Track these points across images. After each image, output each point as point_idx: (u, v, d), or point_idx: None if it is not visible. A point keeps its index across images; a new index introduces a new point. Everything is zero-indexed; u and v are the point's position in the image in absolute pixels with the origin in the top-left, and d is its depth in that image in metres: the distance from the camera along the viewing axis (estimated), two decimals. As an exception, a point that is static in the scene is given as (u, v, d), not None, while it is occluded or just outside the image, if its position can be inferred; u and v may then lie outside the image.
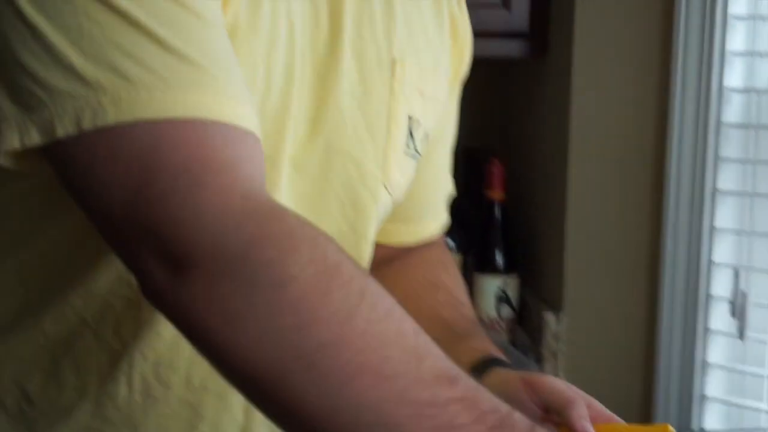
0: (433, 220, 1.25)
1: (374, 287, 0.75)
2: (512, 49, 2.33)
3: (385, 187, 1.02)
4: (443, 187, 1.25)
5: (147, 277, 0.73)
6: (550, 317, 2.25)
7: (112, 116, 0.71)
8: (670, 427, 0.91)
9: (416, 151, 1.05)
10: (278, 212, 0.74)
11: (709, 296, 2.13)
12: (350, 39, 0.96)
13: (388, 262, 1.20)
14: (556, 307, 2.27)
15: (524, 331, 2.40)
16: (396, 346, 0.72)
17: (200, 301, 0.71)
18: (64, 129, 0.72)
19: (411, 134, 1.04)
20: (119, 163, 0.72)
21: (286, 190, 0.93)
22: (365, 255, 1.02)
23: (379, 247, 1.13)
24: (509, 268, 2.40)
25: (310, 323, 0.70)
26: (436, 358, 0.74)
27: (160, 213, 0.71)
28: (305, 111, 0.93)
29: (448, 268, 1.25)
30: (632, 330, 2.25)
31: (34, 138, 0.73)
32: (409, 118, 1.03)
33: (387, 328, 0.73)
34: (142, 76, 0.72)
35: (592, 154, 2.24)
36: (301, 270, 0.71)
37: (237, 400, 0.93)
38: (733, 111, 2.12)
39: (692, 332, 2.14)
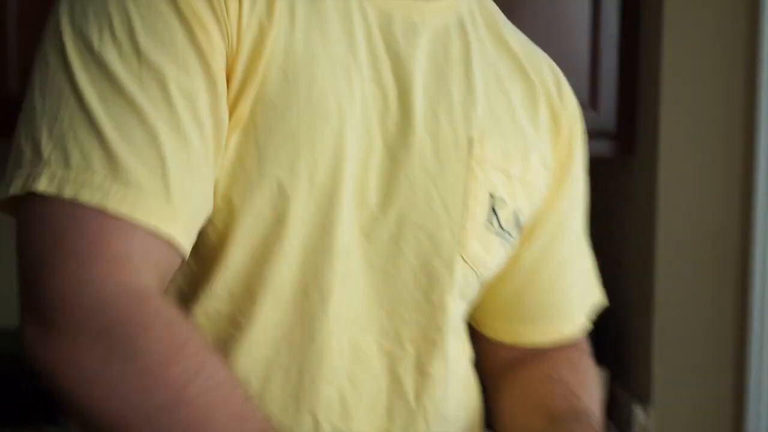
0: (565, 321, 1.25)
1: (214, 361, 0.87)
2: (600, 148, 2.36)
3: (463, 259, 1.05)
4: (576, 288, 1.25)
5: (25, 331, 0.86)
6: (638, 411, 2.26)
7: (42, 186, 0.86)
8: None
9: (502, 228, 1.08)
10: (144, 298, 0.86)
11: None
12: (423, 118, 1.03)
13: (523, 362, 1.23)
14: (645, 400, 2.29)
15: (613, 425, 2.40)
16: (223, 410, 0.85)
17: (61, 363, 0.84)
18: (15, 187, 0.87)
19: (494, 212, 1.07)
20: (39, 227, 0.87)
21: (358, 259, 1.00)
22: (444, 326, 1.05)
23: (511, 348, 1.21)
24: (598, 361, 2.41)
25: (152, 388, 0.83)
26: (259, 421, 0.87)
27: (49, 280, 0.85)
28: (376, 184, 1.00)
29: (575, 366, 1.25)
30: (722, 425, 2.26)
31: (4, 190, 0.89)
32: (491, 195, 1.07)
33: (217, 395, 0.85)
34: (79, 164, 0.86)
35: (679, 249, 2.28)
36: (151, 346, 0.84)
37: None
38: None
39: (783, 428, 2.14)
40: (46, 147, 0.87)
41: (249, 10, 0.95)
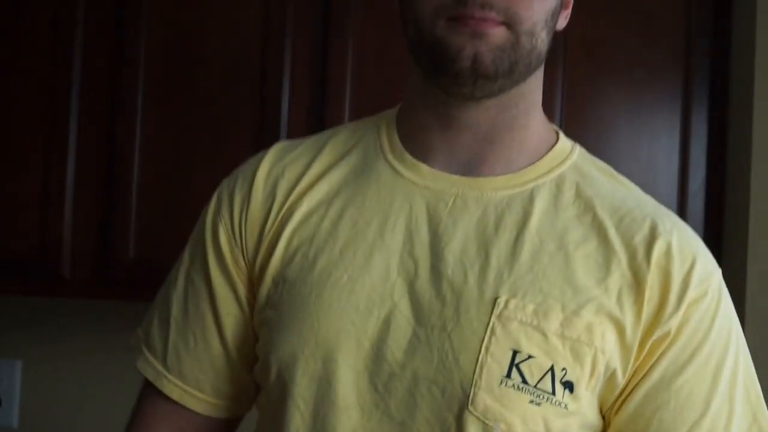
0: None
1: None
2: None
3: (472, 413, 1.08)
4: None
5: None
6: None
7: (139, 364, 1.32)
8: None
9: (526, 383, 1.09)
10: None
11: None
12: (450, 281, 1.12)
13: None
14: None
15: None
16: None
17: None
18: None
19: (518, 367, 1.09)
20: None
21: (377, 411, 1.11)
22: None
23: None
24: None
25: None
26: None
27: None
28: (397, 344, 1.12)
29: None
30: None
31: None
32: (514, 352, 1.09)
33: None
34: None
35: None
36: None
37: None
38: None
39: None
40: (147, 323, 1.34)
41: (271, 221, 1.23)
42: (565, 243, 1.15)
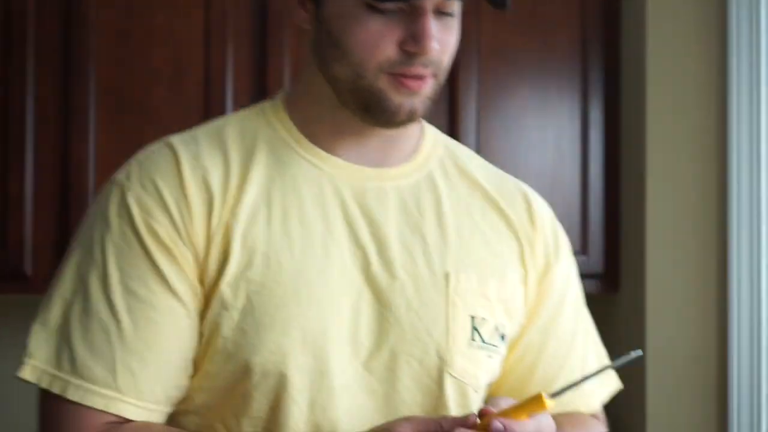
0: (578, 396, 1.35)
1: None
2: (588, 287, 2.60)
3: (452, 375, 1.23)
4: (583, 361, 1.37)
5: None
6: None
7: (44, 383, 1.20)
8: (544, 395, 1.09)
9: (485, 342, 1.26)
10: None
11: None
12: (402, 264, 1.24)
13: None
14: None
15: None
16: None
17: None
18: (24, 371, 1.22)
19: (477, 330, 1.25)
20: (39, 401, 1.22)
21: (361, 390, 1.21)
22: None
23: None
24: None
25: None
26: None
27: None
28: (369, 328, 1.21)
29: (584, 422, 1.37)
30: None
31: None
32: (472, 317, 1.25)
33: None
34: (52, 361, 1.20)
35: (668, 385, 2.54)
36: None
37: None
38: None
39: None
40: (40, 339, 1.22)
41: (217, 218, 1.21)
42: (474, 217, 1.30)
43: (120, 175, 1.24)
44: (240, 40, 2.63)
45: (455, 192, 1.31)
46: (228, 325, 1.19)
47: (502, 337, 1.28)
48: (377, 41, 1.18)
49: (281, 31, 2.63)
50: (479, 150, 2.64)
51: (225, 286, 1.19)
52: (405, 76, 1.19)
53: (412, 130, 1.30)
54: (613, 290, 2.70)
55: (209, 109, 2.59)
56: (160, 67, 2.61)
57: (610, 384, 1.42)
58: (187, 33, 2.61)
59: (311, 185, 1.24)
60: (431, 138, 1.35)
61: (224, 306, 1.19)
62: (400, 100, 1.20)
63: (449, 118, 2.67)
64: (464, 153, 1.38)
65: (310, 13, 1.24)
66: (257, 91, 2.62)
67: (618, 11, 2.75)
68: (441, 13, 1.19)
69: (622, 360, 1.10)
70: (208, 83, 2.62)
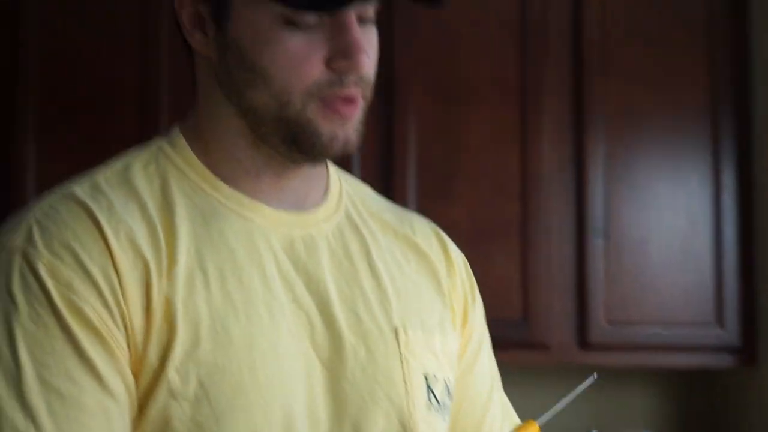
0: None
1: None
2: (724, 361, 2.56)
3: None
4: (497, 411, 1.26)
5: None
6: None
7: None
8: (536, 423, 1.03)
9: (439, 403, 1.13)
10: None
11: None
12: (347, 323, 1.09)
13: None
14: None
15: None
16: None
17: None
18: None
19: (431, 390, 1.13)
20: None
21: None
22: None
23: None
24: None
25: None
26: None
27: None
28: (324, 401, 1.06)
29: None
30: None
31: None
32: (425, 376, 1.12)
33: None
34: None
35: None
36: None
37: None
38: None
39: None
40: None
41: (156, 290, 1.00)
42: (399, 262, 1.18)
43: (15, 240, 1.00)
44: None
45: (373, 235, 1.18)
46: (179, 418, 0.99)
47: (448, 393, 1.17)
48: (302, 61, 1.03)
49: (406, 95, 2.63)
50: (607, 216, 2.59)
51: (172, 372, 0.99)
52: (336, 98, 1.04)
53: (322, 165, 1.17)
54: (750, 363, 2.58)
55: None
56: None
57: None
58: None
59: (241, 239, 1.07)
60: (333, 172, 1.20)
61: (173, 395, 0.99)
62: (332, 129, 1.05)
63: (576, 183, 2.61)
64: (364, 190, 1.25)
65: (211, 35, 1.07)
66: (383, 156, 2.63)
67: (748, 71, 2.66)
68: (361, 20, 1.06)
69: (584, 385, 1.09)
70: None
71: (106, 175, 1.08)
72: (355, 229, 1.17)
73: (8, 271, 0.98)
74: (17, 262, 0.98)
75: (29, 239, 0.99)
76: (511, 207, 2.60)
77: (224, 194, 1.09)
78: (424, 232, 1.24)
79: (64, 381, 0.96)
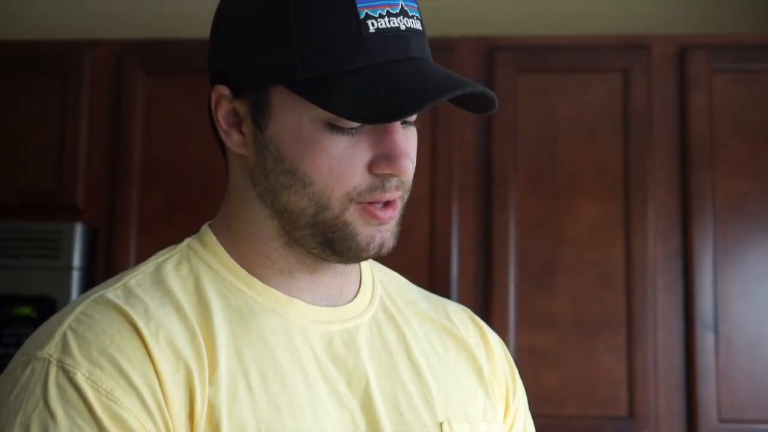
0: None
1: None
2: None
3: None
4: None
5: None
6: None
7: None
8: None
9: None
10: None
11: None
12: (390, 421, 1.05)
13: None
14: None
15: None
16: None
17: None
18: None
19: None
20: None
21: None
22: None
23: None
24: None
25: None
26: None
27: None
28: None
29: None
30: None
31: None
32: None
33: None
34: None
35: None
36: None
37: None
38: None
39: None
40: None
41: (200, 394, 0.97)
42: (439, 354, 1.15)
43: (50, 350, 0.96)
44: (465, 199, 2.63)
45: (409, 324, 1.16)
46: None
47: None
48: (344, 167, 1.01)
49: (506, 188, 2.61)
50: (717, 309, 2.51)
51: None
52: (376, 203, 1.02)
53: None
54: None
55: (433, 267, 2.59)
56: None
57: None
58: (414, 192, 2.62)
59: (280, 338, 1.04)
60: (365, 264, 1.18)
61: None
62: (369, 233, 1.03)
63: (684, 275, 2.54)
64: (396, 278, 1.23)
65: (248, 136, 1.05)
66: (482, 249, 2.60)
67: None
68: (404, 122, 1.03)
69: None
70: (432, 242, 2.62)
71: (137, 278, 1.05)
72: (392, 319, 1.15)
73: (45, 383, 0.94)
74: (53, 373, 0.95)
75: (65, 349, 0.96)
76: (616, 300, 2.55)
77: (258, 291, 1.07)
78: (460, 317, 1.22)
79: None
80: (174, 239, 1.13)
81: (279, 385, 1.01)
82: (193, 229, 1.15)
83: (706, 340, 2.50)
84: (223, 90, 1.06)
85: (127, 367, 0.95)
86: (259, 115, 1.04)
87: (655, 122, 2.62)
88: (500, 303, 2.58)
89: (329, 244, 1.04)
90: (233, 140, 1.07)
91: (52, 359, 0.95)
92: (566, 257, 2.59)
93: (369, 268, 1.18)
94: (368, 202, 1.02)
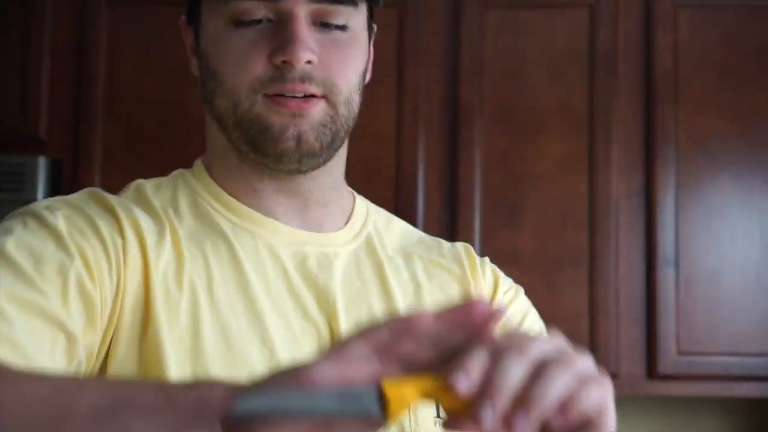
0: None
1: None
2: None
3: None
4: None
5: None
6: None
7: None
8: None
9: (439, 416, 1.11)
10: None
11: None
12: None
13: None
14: None
15: None
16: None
17: None
18: None
19: (437, 406, 1.10)
20: None
21: None
22: None
23: None
24: None
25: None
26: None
27: None
28: None
29: None
30: None
31: None
32: None
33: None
34: None
35: None
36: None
37: None
38: None
39: None
40: None
41: (154, 269, 1.03)
42: (419, 284, 1.18)
43: (33, 205, 1.06)
44: (431, 135, 2.64)
45: (392, 262, 1.18)
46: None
47: None
48: (247, 59, 1.05)
49: (472, 124, 2.62)
50: (678, 245, 2.55)
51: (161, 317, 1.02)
52: (282, 96, 1.05)
53: (344, 196, 1.19)
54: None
55: (399, 202, 2.60)
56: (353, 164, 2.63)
57: None
58: (380, 127, 2.63)
59: (248, 253, 1.09)
60: (363, 206, 1.22)
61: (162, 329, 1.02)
62: (282, 122, 1.06)
63: (646, 211, 2.57)
64: (398, 225, 1.25)
65: (196, 55, 1.12)
66: (448, 185, 2.62)
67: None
68: (325, 24, 1.07)
69: None
70: (398, 177, 2.63)
71: (124, 196, 1.12)
72: (374, 255, 1.18)
73: (24, 215, 1.03)
74: (36, 209, 1.03)
75: (47, 205, 1.05)
76: (579, 236, 2.58)
77: (236, 212, 1.12)
78: (454, 251, 1.24)
79: (35, 240, 0.99)
80: (138, 172, 1.15)
81: (241, 292, 1.06)
82: (157, 163, 1.16)
83: (666, 276, 2.54)
84: (183, 19, 1.13)
85: (100, 223, 1.03)
86: (196, 32, 1.11)
87: (620, 59, 2.63)
88: (465, 238, 2.58)
89: (253, 143, 1.08)
90: (193, 66, 1.13)
91: (37, 206, 1.04)
92: (530, 193, 2.60)
93: (365, 209, 1.22)
94: (274, 94, 1.05)
